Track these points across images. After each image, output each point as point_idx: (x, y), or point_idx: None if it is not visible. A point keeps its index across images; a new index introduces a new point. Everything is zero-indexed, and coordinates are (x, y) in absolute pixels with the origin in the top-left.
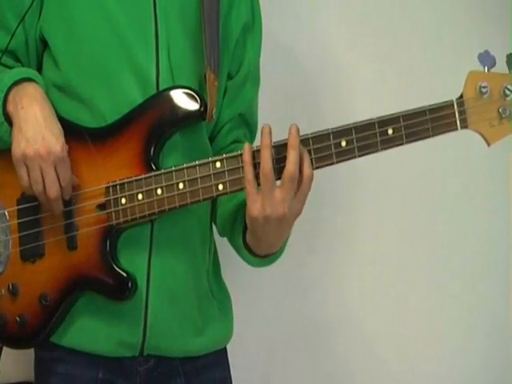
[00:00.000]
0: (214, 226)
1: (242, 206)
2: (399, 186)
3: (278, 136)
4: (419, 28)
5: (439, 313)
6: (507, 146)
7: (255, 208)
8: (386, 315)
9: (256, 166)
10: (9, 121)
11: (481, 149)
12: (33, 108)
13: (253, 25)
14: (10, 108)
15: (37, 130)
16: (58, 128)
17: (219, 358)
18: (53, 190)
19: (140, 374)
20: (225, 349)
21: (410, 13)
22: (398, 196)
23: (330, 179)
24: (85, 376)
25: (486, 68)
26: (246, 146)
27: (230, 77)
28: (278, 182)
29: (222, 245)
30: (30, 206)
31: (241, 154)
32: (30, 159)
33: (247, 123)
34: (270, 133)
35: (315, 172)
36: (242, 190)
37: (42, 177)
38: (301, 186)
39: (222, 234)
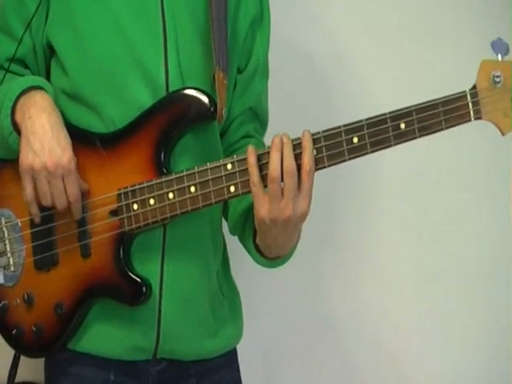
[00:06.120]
0: (223, 224)
1: (252, 207)
2: (402, 186)
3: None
4: (431, 19)
5: (448, 311)
6: (508, 144)
7: (262, 210)
8: (393, 314)
9: (262, 167)
10: (17, 130)
11: (483, 149)
12: (40, 118)
13: (261, 17)
14: (18, 117)
15: (44, 141)
16: (65, 138)
17: (230, 359)
18: (60, 203)
19: (152, 376)
20: (235, 349)
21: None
22: (403, 196)
23: (343, 176)
24: (97, 377)
25: (500, 56)
26: (250, 148)
27: (239, 71)
28: None
29: (231, 244)
30: (43, 215)
31: None
32: (36, 172)
33: (258, 117)
34: (282, 141)
35: (330, 170)
36: None
37: (51, 190)
38: (301, 182)
39: (232, 233)
